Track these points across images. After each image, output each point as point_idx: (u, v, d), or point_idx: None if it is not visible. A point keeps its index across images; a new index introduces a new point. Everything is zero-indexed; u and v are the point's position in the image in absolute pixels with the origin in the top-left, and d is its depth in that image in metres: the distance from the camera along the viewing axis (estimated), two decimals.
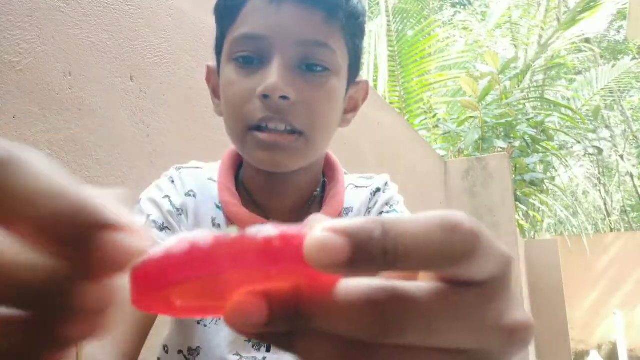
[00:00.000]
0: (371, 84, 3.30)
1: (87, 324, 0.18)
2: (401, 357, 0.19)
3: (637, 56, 9.38)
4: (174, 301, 0.22)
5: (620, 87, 7.10)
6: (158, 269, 0.19)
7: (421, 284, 0.20)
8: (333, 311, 0.19)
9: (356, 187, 0.72)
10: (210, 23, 1.39)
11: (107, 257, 0.17)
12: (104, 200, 0.18)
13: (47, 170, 0.17)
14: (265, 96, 0.57)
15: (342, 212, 0.68)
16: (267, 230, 0.19)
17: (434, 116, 4.85)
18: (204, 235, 0.19)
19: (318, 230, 0.18)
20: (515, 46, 7.63)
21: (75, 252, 0.17)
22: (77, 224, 0.17)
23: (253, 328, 0.19)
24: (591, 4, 5.96)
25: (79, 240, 0.17)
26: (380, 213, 0.69)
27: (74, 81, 0.99)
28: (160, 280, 0.19)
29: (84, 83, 1.01)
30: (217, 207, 0.66)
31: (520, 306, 0.22)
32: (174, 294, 0.21)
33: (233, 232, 0.19)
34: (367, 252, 0.18)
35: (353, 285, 0.19)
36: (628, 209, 10.07)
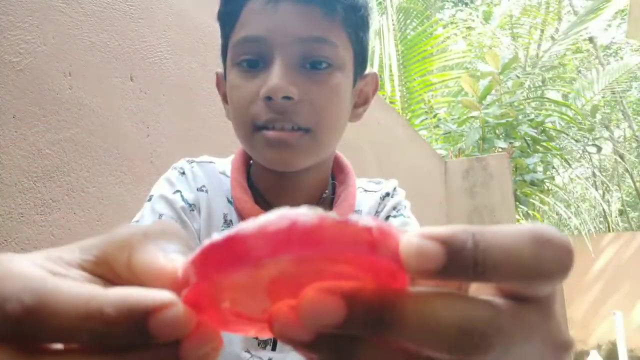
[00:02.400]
0: None
1: None
2: None
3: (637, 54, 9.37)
4: (223, 300, 0.20)
5: (621, 87, 7.10)
6: (253, 241, 0.18)
7: (500, 301, 0.19)
8: (426, 324, 0.18)
9: (365, 190, 0.73)
10: (210, 23, 1.40)
11: (168, 333, 0.18)
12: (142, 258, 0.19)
13: (79, 291, 0.18)
14: (268, 98, 0.57)
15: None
16: (365, 219, 0.18)
17: (435, 116, 4.85)
18: (306, 212, 0.18)
19: (415, 234, 0.18)
20: (515, 47, 7.63)
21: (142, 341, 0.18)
22: (126, 327, 0.18)
23: (325, 327, 0.18)
24: (598, 7, 5.97)
25: (137, 337, 0.18)
26: (387, 217, 0.70)
27: (74, 81, 0.99)
28: (250, 255, 0.18)
29: (84, 83, 1.01)
30: (229, 201, 0.66)
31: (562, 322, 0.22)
32: (230, 290, 0.20)
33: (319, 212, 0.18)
34: (459, 261, 0.18)
35: (451, 298, 0.18)
36: (627, 208, 10.07)
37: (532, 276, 0.18)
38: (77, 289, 0.18)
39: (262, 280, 0.19)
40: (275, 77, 0.56)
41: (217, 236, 0.18)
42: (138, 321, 0.17)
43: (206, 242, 0.18)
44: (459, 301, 0.18)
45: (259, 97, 0.58)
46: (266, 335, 0.22)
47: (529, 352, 0.19)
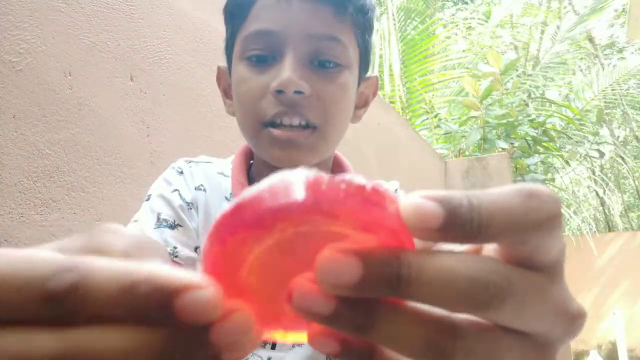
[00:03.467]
0: None
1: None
2: (486, 338, 0.20)
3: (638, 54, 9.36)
4: (239, 267, 0.20)
5: (621, 87, 7.09)
6: (261, 205, 0.18)
7: (509, 264, 0.20)
8: (443, 277, 0.18)
9: None
10: (210, 23, 1.40)
11: (192, 316, 0.18)
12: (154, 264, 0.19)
13: (114, 266, 0.18)
14: (279, 91, 0.57)
15: None
16: (359, 179, 0.18)
17: (436, 116, 4.84)
18: (298, 175, 0.18)
19: (414, 195, 0.19)
20: (515, 47, 7.62)
21: (164, 321, 0.18)
22: (157, 305, 0.18)
23: (344, 288, 0.18)
24: (598, 6, 5.96)
25: (163, 312, 0.18)
26: None
27: (74, 81, 0.99)
28: (258, 218, 0.18)
29: (84, 83, 1.01)
30: (228, 201, 0.66)
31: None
32: (246, 258, 0.20)
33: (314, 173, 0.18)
34: (457, 217, 0.18)
35: (464, 255, 0.19)
36: (628, 207, 10.07)
37: (523, 226, 0.19)
38: (111, 264, 0.18)
39: (274, 255, 0.20)
40: (288, 71, 0.57)
41: (227, 205, 0.19)
42: (166, 300, 0.17)
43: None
44: (472, 257, 0.19)
45: (267, 91, 0.58)
46: (275, 328, 0.22)
47: (541, 315, 0.20)
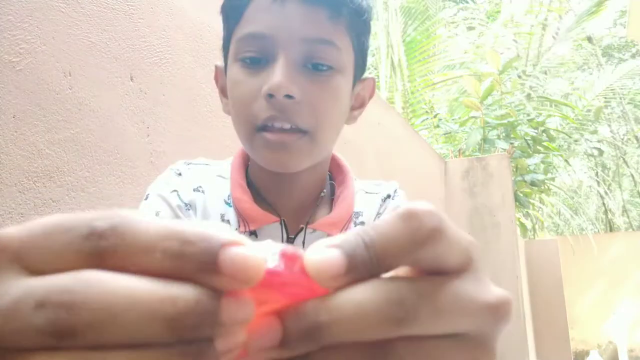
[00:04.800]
0: None
1: (236, 338, 0.19)
2: (416, 349, 0.20)
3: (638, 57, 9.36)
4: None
5: (622, 88, 7.09)
6: None
7: (419, 278, 0.21)
8: (359, 311, 0.19)
9: (367, 193, 0.73)
10: (210, 23, 1.40)
11: (238, 270, 0.18)
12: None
13: (156, 219, 0.19)
14: (270, 95, 0.57)
15: (352, 216, 0.68)
16: (272, 253, 0.19)
17: (436, 116, 4.84)
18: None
19: (315, 250, 0.20)
20: (517, 47, 7.62)
21: (208, 274, 0.18)
22: (203, 248, 0.18)
23: (270, 350, 0.19)
24: (596, 7, 5.96)
25: (209, 263, 0.18)
26: None
27: (74, 81, 0.99)
28: None
29: (84, 83, 1.01)
30: (226, 203, 0.66)
31: (494, 285, 0.23)
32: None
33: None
34: (357, 261, 0.20)
35: (373, 281, 0.20)
36: (629, 206, 10.06)
37: (412, 249, 0.20)
38: (154, 218, 0.19)
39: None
40: (278, 75, 0.56)
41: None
42: (213, 251, 0.18)
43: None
44: (378, 281, 0.20)
45: (260, 94, 0.58)
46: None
47: (461, 314, 0.21)
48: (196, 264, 0.18)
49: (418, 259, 0.21)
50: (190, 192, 0.65)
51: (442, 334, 0.21)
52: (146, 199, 0.64)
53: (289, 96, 0.57)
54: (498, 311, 0.22)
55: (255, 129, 0.60)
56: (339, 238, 0.20)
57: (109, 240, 0.18)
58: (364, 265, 0.20)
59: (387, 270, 0.20)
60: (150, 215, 0.19)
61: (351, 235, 0.20)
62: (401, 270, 0.22)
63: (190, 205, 0.64)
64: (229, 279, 0.18)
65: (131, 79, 1.13)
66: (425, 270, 0.21)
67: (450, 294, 0.21)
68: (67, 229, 0.18)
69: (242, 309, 0.18)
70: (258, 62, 0.60)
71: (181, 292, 0.17)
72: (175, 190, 0.64)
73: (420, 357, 0.20)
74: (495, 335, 0.22)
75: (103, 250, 0.18)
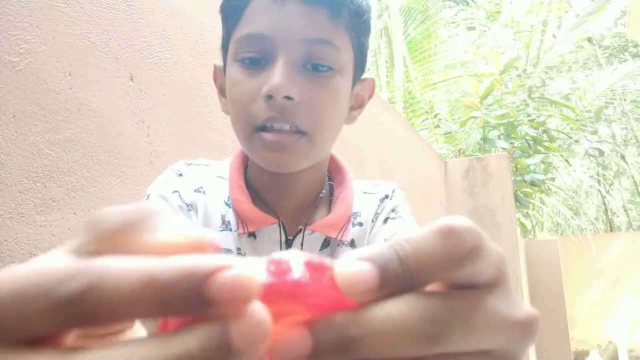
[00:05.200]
0: None
1: (259, 352, 0.17)
2: None
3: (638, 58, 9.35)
4: None
5: (622, 89, 7.09)
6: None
7: (448, 292, 0.21)
8: (391, 326, 0.18)
9: (365, 193, 0.73)
10: (210, 23, 1.40)
11: (231, 294, 0.17)
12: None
13: (130, 263, 0.17)
14: (269, 96, 0.57)
15: (351, 216, 0.68)
16: (299, 265, 0.19)
17: (436, 116, 4.84)
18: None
19: (346, 262, 0.19)
20: (516, 45, 7.62)
21: (202, 308, 0.17)
22: (186, 289, 0.16)
23: None
24: (598, 7, 5.96)
25: (198, 301, 0.17)
26: (386, 219, 0.70)
27: (74, 81, 0.99)
28: None
29: (84, 83, 1.01)
30: (226, 204, 0.66)
31: (522, 301, 0.22)
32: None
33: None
34: (390, 276, 0.19)
35: (404, 296, 0.19)
36: (629, 206, 10.06)
37: (449, 266, 0.20)
38: (127, 262, 0.17)
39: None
40: (278, 76, 0.56)
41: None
42: (195, 286, 0.16)
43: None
44: (412, 296, 0.19)
45: (259, 95, 0.58)
46: None
47: (491, 330, 0.20)
48: (185, 305, 0.16)
49: (453, 276, 0.20)
50: (191, 193, 0.65)
51: (473, 350, 0.20)
52: (147, 198, 0.64)
53: (288, 97, 0.57)
54: (528, 328, 0.21)
55: (254, 130, 0.59)
56: (371, 250, 0.20)
57: (84, 306, 0.16)
58: (396, 280, 0.19)
59: (419, 287, 0.20)
60: (128, 257, 0.17)
61: (384, 248, 0.20)
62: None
63: (192, 206, 0.64)
64: (225, 306, 0.16)
65: (131, 79, 1.13)
66: (453, 285, 0.21)
67: (484, 311, 0.20)
68: (36, 296, 0.16)
69: (256, 328, 0.17)
70: (257, 63, 0.59)
71: (182, 348, 0.16)
72: (176, 191, 0.64)
73: None
74: (523, 351, 0.22)
75: (82, 317, 0.16)
